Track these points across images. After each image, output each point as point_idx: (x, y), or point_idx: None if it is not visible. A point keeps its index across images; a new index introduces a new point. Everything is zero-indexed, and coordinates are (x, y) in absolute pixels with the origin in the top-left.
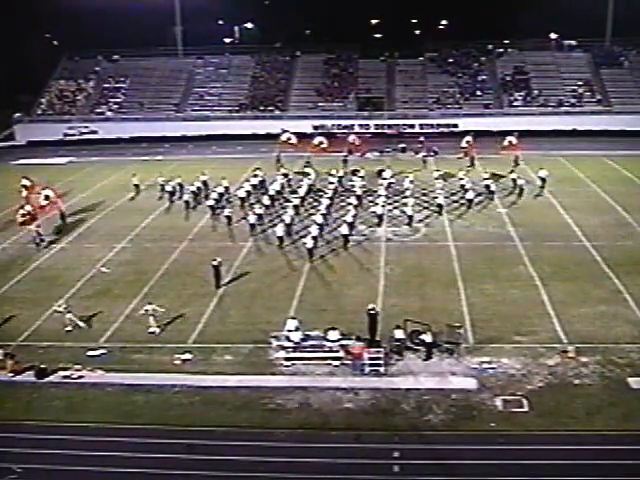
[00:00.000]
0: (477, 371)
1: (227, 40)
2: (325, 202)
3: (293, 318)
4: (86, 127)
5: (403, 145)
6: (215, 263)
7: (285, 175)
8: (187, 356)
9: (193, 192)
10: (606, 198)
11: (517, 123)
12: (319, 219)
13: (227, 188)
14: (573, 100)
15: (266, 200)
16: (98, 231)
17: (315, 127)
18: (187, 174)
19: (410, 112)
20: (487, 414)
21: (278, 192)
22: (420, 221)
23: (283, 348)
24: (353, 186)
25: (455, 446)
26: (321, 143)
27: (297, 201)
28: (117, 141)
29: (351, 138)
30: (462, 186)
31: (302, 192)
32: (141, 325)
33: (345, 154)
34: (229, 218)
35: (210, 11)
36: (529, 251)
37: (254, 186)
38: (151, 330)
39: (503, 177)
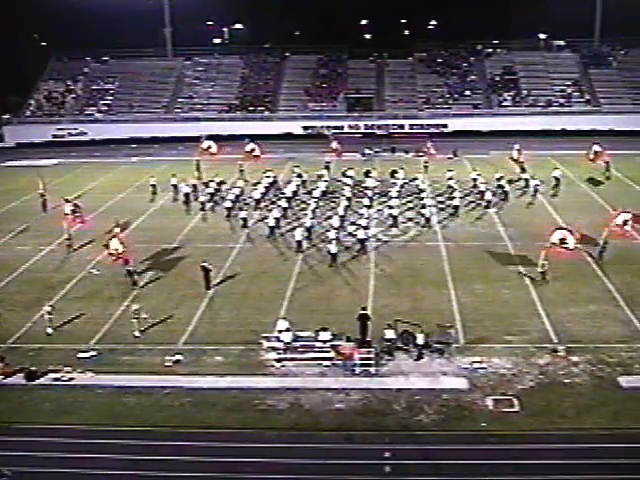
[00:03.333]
0: (468, 371)
1: (216, 41)
2: (342, 204)
3: (284, 319)
4: (75, 128)
5: (393, 145)
6: (205, 265)
7: (299, 176)
8: (178, 357)
9: (210, 194)
10: (595, 198)
11: (506, 123)
12: (336, 222)
13: (242, 189)
14: (562, 100)
15: (283, 203)
16: (89, 232)
17: (305, 127)
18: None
19: (399, 112)
20: (478, 414)
21: (294, 193)
22: (439, 222)
23: (274, 349)
24: (367, 187)
25: (446, 446)
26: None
27: (314, 204)
28: (106, 142)
29: (334, 145)
30: (475, 186)
31: (317, 194)
32: (131, 327)
33: (327, 160)
34: (245, 220)
35: (199, 12)
36: (519, 251)
37: (267, 187)
38: (136, 334)
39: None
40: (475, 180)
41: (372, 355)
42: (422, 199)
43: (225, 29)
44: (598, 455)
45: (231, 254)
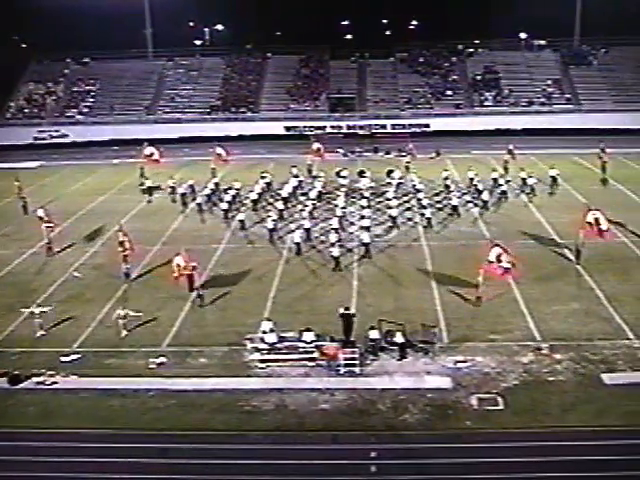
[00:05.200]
0: (452, 370)
1: (197, 42)
2: (340, 205)
3: (268, 320)
4: (56, 131)
5: (375, 145)
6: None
7: (296, 176)
8: (162, 360)
9: (207, 195)
10: (577, 196)
11: (488, 123)
12: (336, 224)
13: (238, 190)
14: (543, 99)
15: (280, 204)
16: (71, 235)
17: (287, 128)
18: (161, 176)
19: (381, 112)
20: (463, 413)
21: (291, 194)
22: (439, 223)
23: (258, 350)
24: (362, 188)
25: (431, 445)
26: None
27: (311, 205)
28: (88, 144)
29: (315, 146)
30: (475, 186)
31: (313, 195)
32: (114, 329)
33: (309, 162)
34: (242, 222)
35: (180, 13)
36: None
37: (263, 188)
38: (122, 335)
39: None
40: (472, 180)
41: (356, 355)
42: (420, 199)
43: (206, 30)
44: (582, 452)
45: (214, 255)
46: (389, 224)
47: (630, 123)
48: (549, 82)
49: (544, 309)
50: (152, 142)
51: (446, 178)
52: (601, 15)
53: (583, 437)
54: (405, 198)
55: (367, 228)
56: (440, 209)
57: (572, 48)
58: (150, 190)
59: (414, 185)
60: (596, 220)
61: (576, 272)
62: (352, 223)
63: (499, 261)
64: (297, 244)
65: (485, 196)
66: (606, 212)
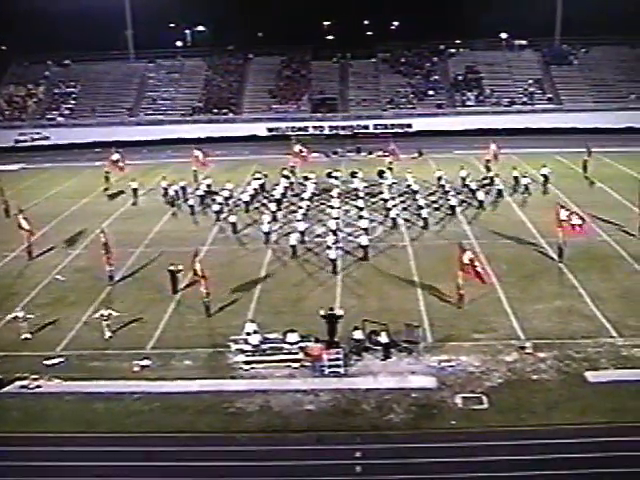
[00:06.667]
0: (436, 369)
1: (179, 43)
2: (335, 206)
3: (252, 321)
4: (38, 133)
5: (358, 145)
6: (171, 268)
7: (286, 177)
8: (146, 362)
9: (200, 196)
10: (559, 195)
11: (470, 122)
12: (333, 225)
13: (231, 192)
14: (524, 99)
15: (273, 206)
16: (53, 238)
17: (270, 129)
18: (143, 178)
19: (364, 113)
20: (447, 412)
21: (283, 195)
22: (436, 223)
23: (242, 352)
24: (356, 189)
25: (416, 445)
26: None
27: (305, 207)
28: (70, 147)
29: (297, 148)
30: (467, 186)
31: (307, 196)
32: (98, 332)
33: (292, 164)
34: (234, 225)
35: (161, 14)
36: (485, 249)
37: (256, 189)
38: (106, 336)
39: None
40: (464, 179)
41: (341, 356)
42: (416, 200)
43: (188, 31)
44: (567, 450)
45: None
46: (389, 225)
47: (611, 122)
48: (530, 82)
49: (527, 308)
50: (135, 144)
51: (439, 178)
52: (581, 15)
53: (567, 435)
54: (401, 199)
55: (365, 230)
56: (437, 209)
57: (553, 48)
58: (114, 195)
59: (409, 185)
60: (568, 217)
61: (559, 271)
62: (349, 224)
63: (473, 265)
64: (293, 247)
65: (480, 196)
66: (587, 211)
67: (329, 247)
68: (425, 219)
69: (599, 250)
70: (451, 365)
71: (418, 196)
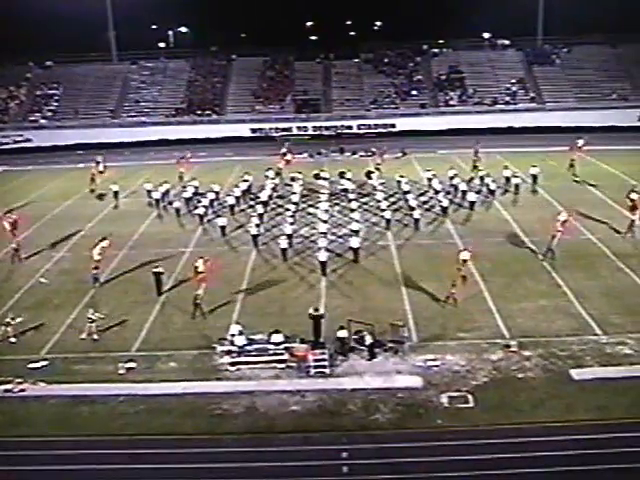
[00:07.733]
0: (422, 369)
1: (161, 44)
2: (323, 208)
3: (237, 322)
4: (20, 135)
5: (341, 145)
6: (156, 270)
7: (271, 178)
8: (131, 365)
9: (185, 199)
10: (542, 193)
11: (453, 122)
12: (322, 227)
13: (217, 194)
14: (507, 98)
15: (260, 209)
16: (36, 240)
17: (253, 130)
18: (126, 180)
19: (347, 113)
20: (433, 411)
21: (269, 197)
22: (428, 224)
23: (228, 353)
24: (346, 190)
25: (403, 444)
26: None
27: (293, 209)
28: (52, 149)
29: (284, 150)
30: (455, 186)
31: (295, 198)
32: (83, 335)
33: (279, 167)
34: (223, 228)
35: (143, 15)
36: (469, 248)
37: (243, 192)
38: (95, 337)
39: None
40: (452, 179)
41: (326, 356)
42: (407, 200)
43: (170, 32)
44: (552, 447)
45: (182, 259)
46: (382, 226)
47: (593, 121)
48: (513, 81)
49: (512, 306)
50: (117, 146)
51: (430, 179)
52: (563, 15)
53: (553, 432)
54: (392, 199)
55: (356, 232)
56: (428, 210)
57: (535, 47)
58: (102, 195)
59: (399, 184)
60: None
61: (543, 269)
62: (340, 225)
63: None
64: (283, 250)
65: (471, 197)
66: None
67: (319, 249)
68: (417, 220)
69: (582, 248)
70: (437, 364)
71: (410, 196)
